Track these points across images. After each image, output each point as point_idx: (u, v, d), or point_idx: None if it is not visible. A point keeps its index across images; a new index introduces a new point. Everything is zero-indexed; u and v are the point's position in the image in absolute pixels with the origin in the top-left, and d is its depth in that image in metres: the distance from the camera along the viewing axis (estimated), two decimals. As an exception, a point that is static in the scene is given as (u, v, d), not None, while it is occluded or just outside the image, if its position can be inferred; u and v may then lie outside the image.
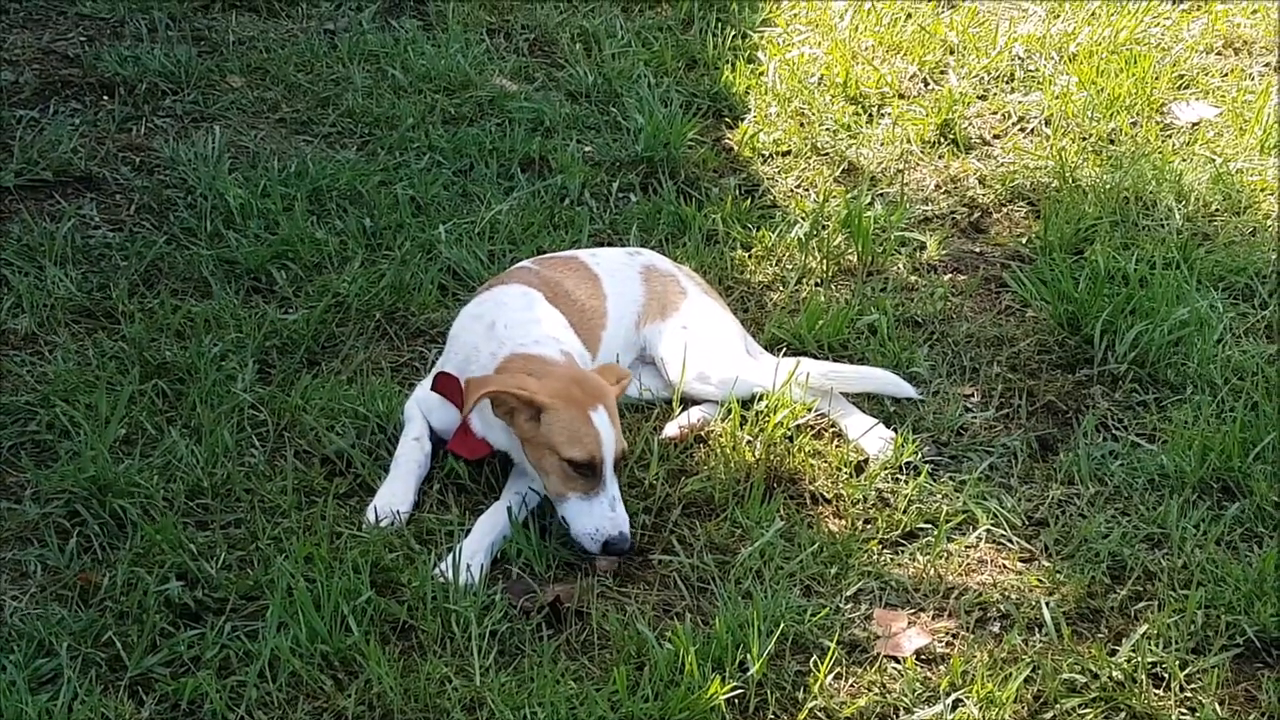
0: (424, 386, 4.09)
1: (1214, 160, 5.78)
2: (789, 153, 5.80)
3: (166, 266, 4.85)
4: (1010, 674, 3.47)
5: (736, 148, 5.80)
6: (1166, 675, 3.52)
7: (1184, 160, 5.79)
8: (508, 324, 4.02)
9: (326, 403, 4.19)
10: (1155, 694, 3.49)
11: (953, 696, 3.42)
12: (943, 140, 5.91)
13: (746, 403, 4.25)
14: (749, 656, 3.43)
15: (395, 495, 3.86)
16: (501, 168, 5.48)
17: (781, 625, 3.51)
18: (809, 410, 4.26)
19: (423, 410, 4.07)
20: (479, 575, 3.64)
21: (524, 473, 3.96)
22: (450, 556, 3.66)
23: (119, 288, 4.68)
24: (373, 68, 6.15)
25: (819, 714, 3.38)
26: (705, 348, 4.31)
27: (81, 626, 3.43)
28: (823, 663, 3.45)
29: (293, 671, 3.34)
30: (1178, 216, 5.39)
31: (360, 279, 4.76)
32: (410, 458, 3.95)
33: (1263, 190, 5.62)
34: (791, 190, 5.58)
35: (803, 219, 5.27)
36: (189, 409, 4.15)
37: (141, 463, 3.92)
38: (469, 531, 3.77)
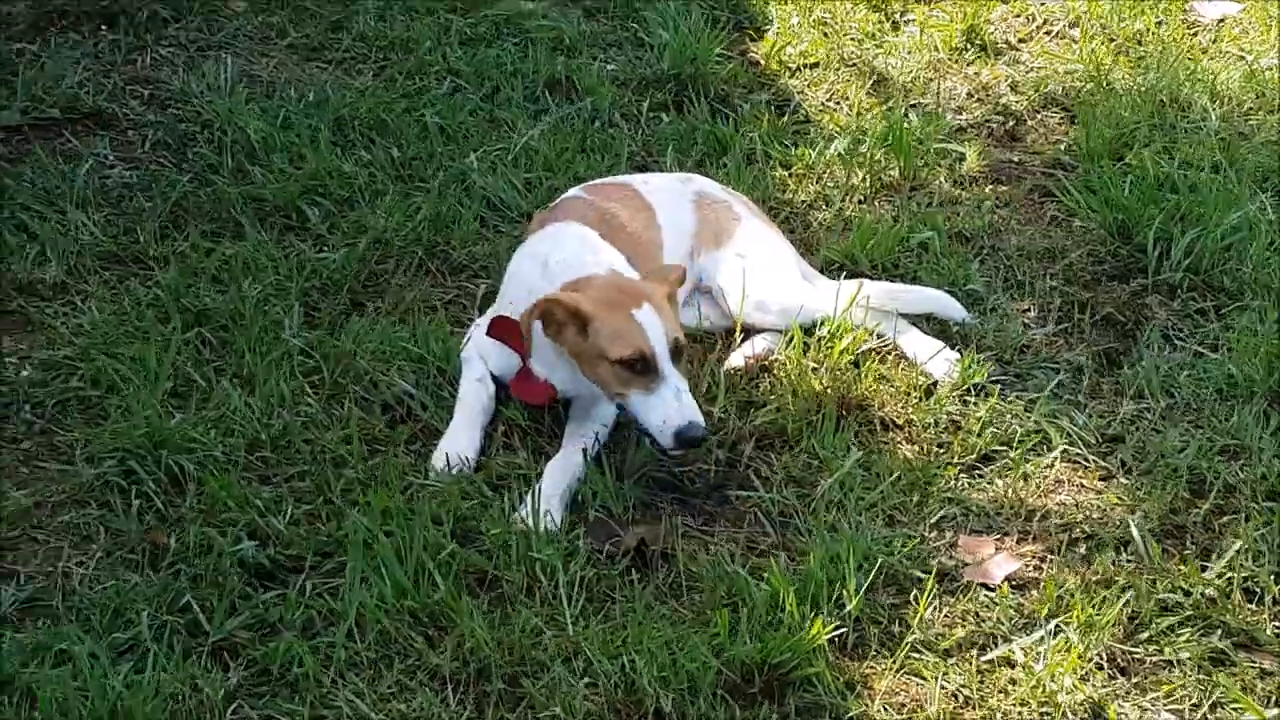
0: (479, 327, 3.97)
1: (1244, 58, 5.67)
2: (816, 65, 5.64)
3: (192, 206, 4.67)
4: (1106, 596, 3.41)
5: (763, 61, 5.64)
6: (1260, 589, 3.47)
7: (1212, 59, 5.68)
8: (560, 260, 3.89)
9: (379, 345, 4.05)
10: (1249, 609, 3.44)
11: (1053, 623, 3.36)
12: (969, 46, 5.77)
13: (808, 329, 4.15)
14: (845, 593, 3.35)
15: (461, 441, 3.74)
16: (527, 90, 5.31)
17: (878, 559, 3.43)
18: (871, 334, 4.16)
19: (480, 352, 3.94)
20: (560, 520, 3.55)
21: (587, 414, 3.85)
22: (528, 501, 3.55)
23: (146, 230, 4.51)
24: (381, -13, 5.93)
25: (919, 648, 3.31)
26: (763, 275, 4.19)
27: (155, 591, 3.31)
28: (922, 595, 3.38)
29: (381, 630, 3.24)
30: (1214, 117, 5.29)
31: (396, 213, 4.60)
32: (475, 401, 3.83)
33: (1296, 87, 5.53)
34: (823, 104, 5.44)
35: (839, 134, 5.13)
36: (237, 358, 4.00)
37: (195, 416, 3.78)
38: (540, 476, 3.67)
